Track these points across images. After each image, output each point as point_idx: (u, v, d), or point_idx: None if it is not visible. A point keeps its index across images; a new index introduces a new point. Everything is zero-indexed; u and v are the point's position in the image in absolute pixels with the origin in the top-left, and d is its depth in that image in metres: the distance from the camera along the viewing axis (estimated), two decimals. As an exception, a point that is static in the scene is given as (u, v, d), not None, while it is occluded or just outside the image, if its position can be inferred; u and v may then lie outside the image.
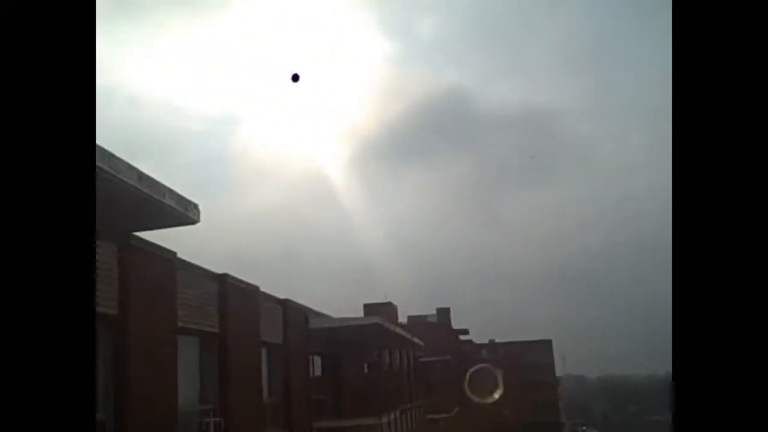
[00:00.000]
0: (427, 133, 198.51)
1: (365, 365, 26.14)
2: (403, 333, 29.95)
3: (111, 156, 6.34)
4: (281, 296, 18.20)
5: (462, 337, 65.56)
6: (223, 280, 14.08)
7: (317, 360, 21.88)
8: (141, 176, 6.99)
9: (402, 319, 47.17)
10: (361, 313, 35.46)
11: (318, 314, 21.34)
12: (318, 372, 22.03)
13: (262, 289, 16.50)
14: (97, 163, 6.28)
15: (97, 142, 6.35)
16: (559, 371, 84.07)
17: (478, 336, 71.75)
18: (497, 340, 76.24)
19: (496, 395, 53.48)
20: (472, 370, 53.52)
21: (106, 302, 9.75)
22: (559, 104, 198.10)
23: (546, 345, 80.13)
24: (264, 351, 16.63)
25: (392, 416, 24.60)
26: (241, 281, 15.17)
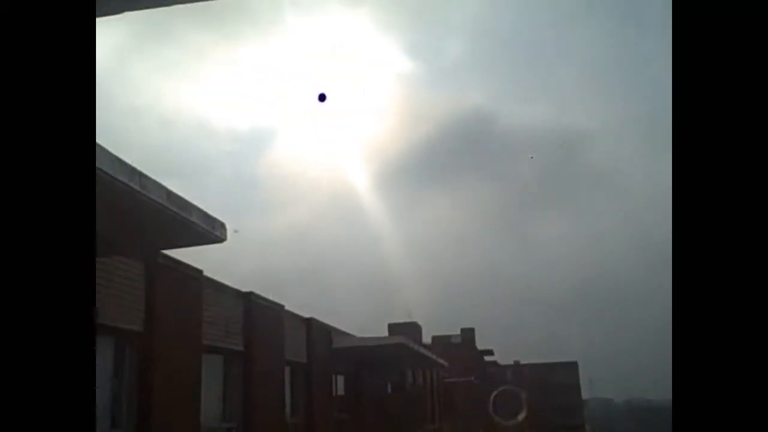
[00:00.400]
0: (452, 154, 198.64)
1: (388, 385, 25.96)
2: (427, 353, 29.70)
3: (141, 174, 6.46)
4: (305, 315, 18.21)
5: (487, 358, 64.87)
6: (248, 298, 14.15)
7: (340, 379, 21.79)
8: (169, 194, 7.09)
9: (426, 339, 46.84)
10: (385, 332, 35.31)
11: (342, 333, 21.30)
12: (341, 391, 21.93)
13: (286, 307, 16.53)
14: (127, 182, 6.37)
15: (130, 161, 6.44)
16: (585, 394, 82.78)
17: (503, 357, 70.95)
18: (522, 362, 75.33)
19: (521, 418, 52.76)
20: (496, 391, 52.94)
21: (132, 319, 9.85)
22: (586, 126, 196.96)
23: (572, 367, 79.05)
24: (288, 370, 16.62)
25: (415, 437, 24.35)
26: (266, 300, 15.22)
